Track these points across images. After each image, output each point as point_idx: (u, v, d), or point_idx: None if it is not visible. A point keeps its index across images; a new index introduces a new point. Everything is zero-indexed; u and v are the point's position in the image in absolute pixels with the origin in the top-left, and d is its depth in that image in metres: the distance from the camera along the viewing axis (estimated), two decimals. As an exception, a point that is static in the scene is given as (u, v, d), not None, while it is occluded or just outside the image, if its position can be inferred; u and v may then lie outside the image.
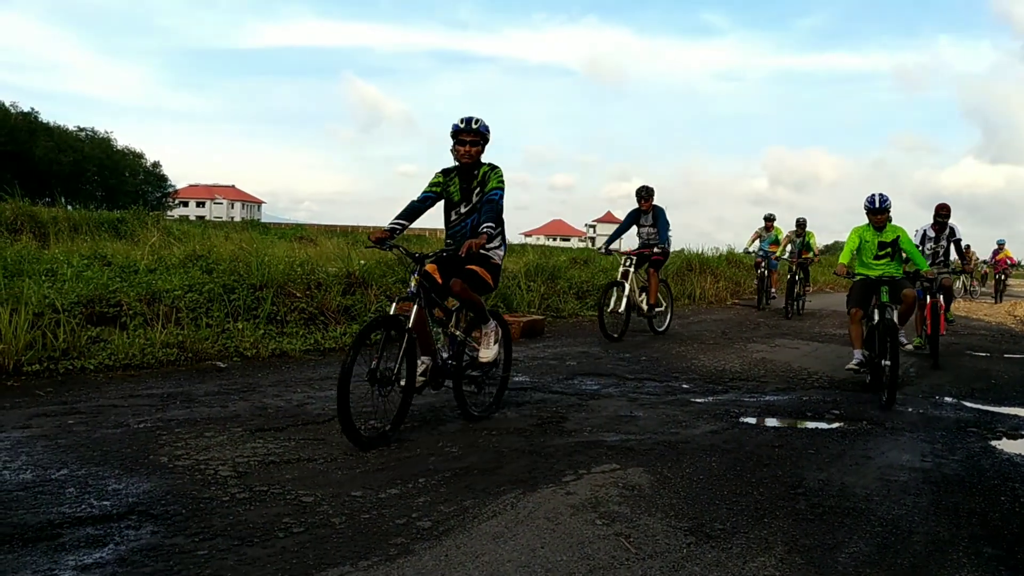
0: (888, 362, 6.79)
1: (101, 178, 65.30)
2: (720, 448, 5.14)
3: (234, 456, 4.46)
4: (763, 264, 16.59)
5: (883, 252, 7.66)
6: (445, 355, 5.49)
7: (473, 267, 5.46)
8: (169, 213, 50.60)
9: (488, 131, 5.50)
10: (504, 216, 5.60)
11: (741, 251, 18.56)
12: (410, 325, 4.96)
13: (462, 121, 5.43)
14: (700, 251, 21.51)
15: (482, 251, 5.45)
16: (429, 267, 5.36)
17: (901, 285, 7.47)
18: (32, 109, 63.37)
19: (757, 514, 3.93)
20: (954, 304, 21.33)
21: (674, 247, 12.58)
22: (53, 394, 5.79)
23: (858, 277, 7.71)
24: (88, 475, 4.02)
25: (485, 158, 5.58)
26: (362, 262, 11.33)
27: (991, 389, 7.87)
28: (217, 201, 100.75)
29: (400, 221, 5.40)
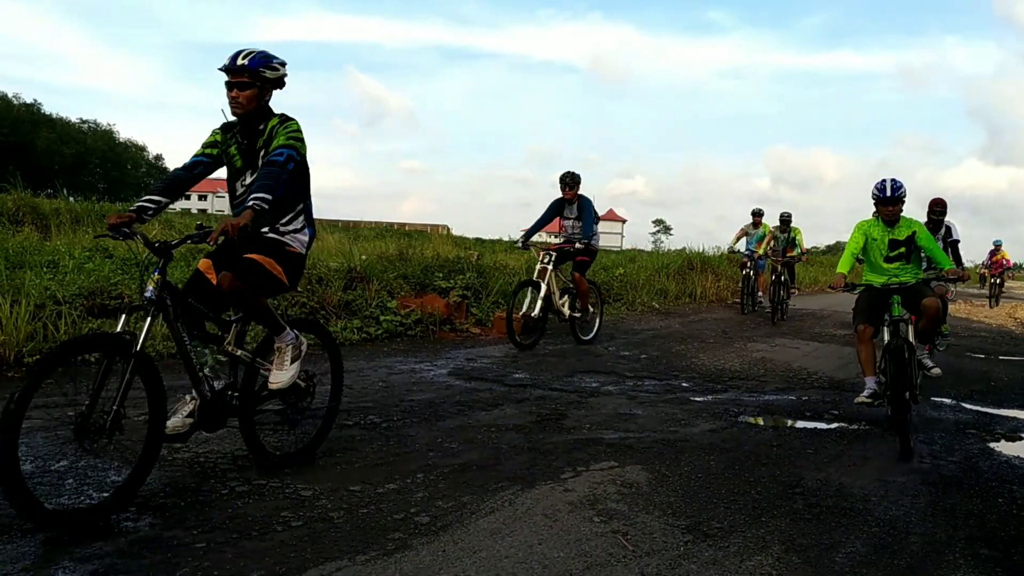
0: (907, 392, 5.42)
1: (103, 170, 65.40)
2: (719, 447, 5.15)
3: (233, 449, 4.47)
4: (749, 265, 15.33)
5: (895, 252, 6.13)
6: (219, 384, 4.02)
7: (256, 256, 3.99)
8: (171, 206, 50.51)
9: (265, 67, 3.97)
10: (310, 188, 4.29)
11: (725, 249, 17.37)
12: (138, 347, 3.49)
13: (228, 58, 3.98)
14: (701, 250, 21.50)
15: (274, 235, 4.13)
16: (202, 264, 4.10)
17: (919, 293, 5.93)
18: (35, 101, 63.44)
19: (755, 513, 3.93)
20: (952, 306, 20.57)
21: (676, 245, 12.20)
22: (53, 385, 5.78)
23: (862, 285, 6.19)
24: (87, 467, 4.03)
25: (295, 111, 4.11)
26: (363, 257, 11.34)
27: (990, 391, 7.87)
28: (219, 195, 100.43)
29: (154, 198, 3.88)
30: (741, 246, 15.75)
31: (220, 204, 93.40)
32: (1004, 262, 24.28)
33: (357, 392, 6.23)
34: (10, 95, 60.34)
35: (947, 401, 7.23)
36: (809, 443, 5.39)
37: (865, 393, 5.90)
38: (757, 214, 15.61)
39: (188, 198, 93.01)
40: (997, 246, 24.62)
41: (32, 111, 60.67)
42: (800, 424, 6.02)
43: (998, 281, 23.49)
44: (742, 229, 15.69)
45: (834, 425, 6.02)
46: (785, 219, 15.06)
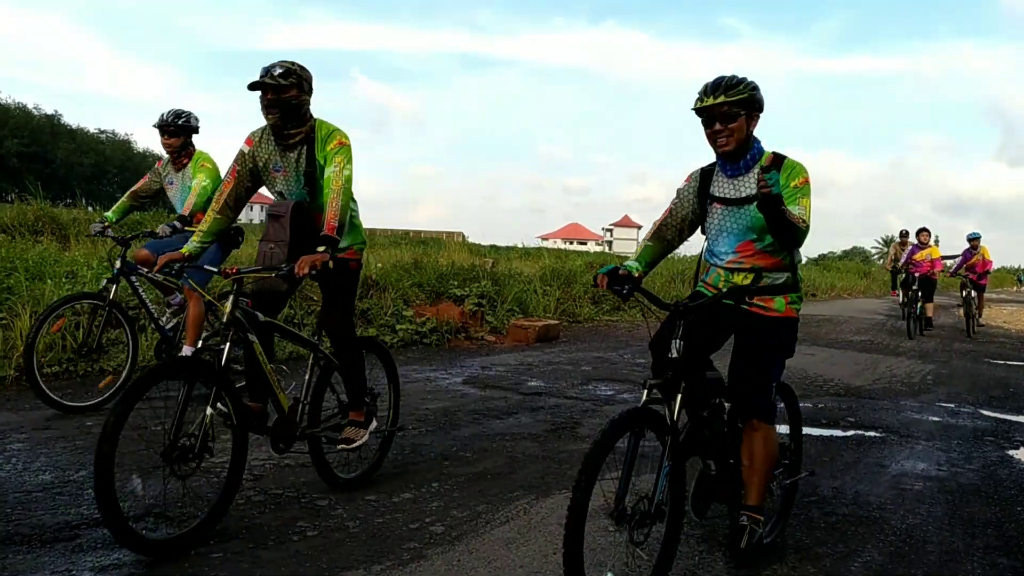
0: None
1: (121, 179, 65.93)
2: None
3: (249, 459, 4.49)
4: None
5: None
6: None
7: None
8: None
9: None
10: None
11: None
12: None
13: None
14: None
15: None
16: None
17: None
18: (55, 111, 64.14)
19: (769, 522, 3.92)
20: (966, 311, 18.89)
21: (693, 251, 11.77)
22: (72, 395, 5.85)
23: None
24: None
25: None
26: (379, 265, 11.38)
27: (1009, 398, 7.81)
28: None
29: None
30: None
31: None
32: (984, 263, 15.64)
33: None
34: (31, 106, 61.06)
35: (965, 408, 7.18)
36: (825, 451, 5.37)
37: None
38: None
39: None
40: (973, 241, 15.47)
41: (52, 122, 61.31)
42: (816, 431, 5.99)
43: (973, 294, 14.89)
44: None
45: (850, 432, 5.99)
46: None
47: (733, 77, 3.14)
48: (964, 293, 14.87)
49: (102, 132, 67.53)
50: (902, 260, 14.59)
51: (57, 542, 3.25)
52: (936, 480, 4.82)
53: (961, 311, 15.17)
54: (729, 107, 3.10)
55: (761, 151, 3.25)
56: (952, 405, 7.27)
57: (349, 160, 3.84)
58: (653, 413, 2.97)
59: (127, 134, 73.62)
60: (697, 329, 3.16)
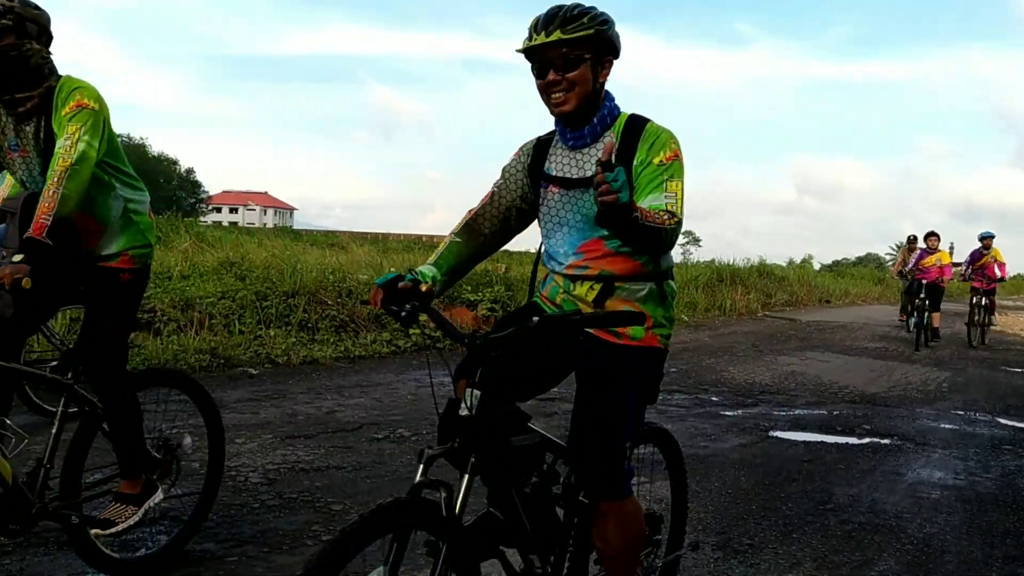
0: None
1: (137, 184, 66.40)
2: (749, 462, 5.11)
3: (264, 463, 4.51)
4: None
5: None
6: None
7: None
8: (202, 219, 51.22)
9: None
10: None
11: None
12: None
13: None
14: (731, 262, 21.34)
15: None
16: None
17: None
18: (70, 116, 64.62)
19: (785, 530, 3.90)
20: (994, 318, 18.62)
21: (706, 257, 11.44)
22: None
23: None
24: (122, 479, 4.07)
25: None
26: (393, 270, 11.41)
27: (1027, 406, 7.74)
28: (250, 207, 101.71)
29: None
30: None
31: (250, 217, 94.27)
32: (995, 267, 13.80)
33: (386, 405, 6.27)
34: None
35: (982, 416, 7.12)
36: (840, 458, 5.34)
37: None
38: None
39: (219, 211, 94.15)
40: (986, 241, 13.85)
41: (67, 127, 61.83)
42: (831, 439, 5.96)
43: (983, 302, 13.41)
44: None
45: (866, 440, 5.96)
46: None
47: (576, 6, 2.20)
48: (974, 300, 13.42)
49: (117, 136, 67.99)
50: (909, 265, 14.36)
51: (70, 544, 3.26)
52: (953, 489, 4.78)
53: (975, 318, 13.37)
54: (569, 49, 2.16)
55: (615, 112, 2.33)
56: (968, 413, 7.22)
57: (90, 130, 2.74)
58: (424, 504, 2.03)
59: (142, 138, 74.16)
60: (507, 370, 2.20)
